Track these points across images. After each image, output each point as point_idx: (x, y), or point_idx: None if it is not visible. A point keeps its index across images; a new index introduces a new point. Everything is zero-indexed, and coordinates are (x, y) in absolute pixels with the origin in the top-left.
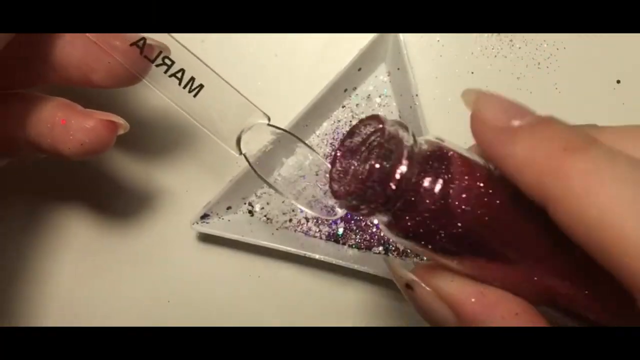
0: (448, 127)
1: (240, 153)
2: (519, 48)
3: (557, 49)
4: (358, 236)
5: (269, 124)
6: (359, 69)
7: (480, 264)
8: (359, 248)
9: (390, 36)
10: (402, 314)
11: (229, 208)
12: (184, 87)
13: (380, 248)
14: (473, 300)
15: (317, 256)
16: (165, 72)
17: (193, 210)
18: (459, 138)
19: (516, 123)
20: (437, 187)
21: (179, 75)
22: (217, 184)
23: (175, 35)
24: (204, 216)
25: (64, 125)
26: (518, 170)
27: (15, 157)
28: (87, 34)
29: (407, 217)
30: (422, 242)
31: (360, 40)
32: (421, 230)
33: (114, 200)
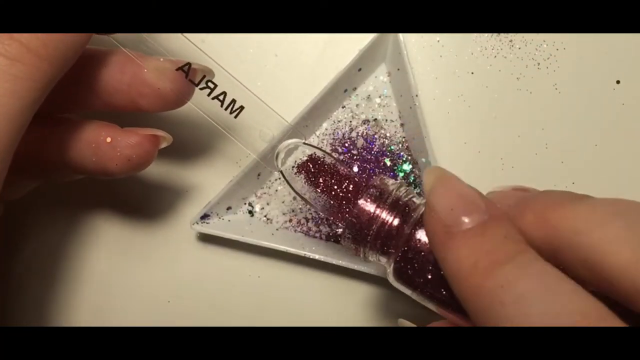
0: (448, 127)
1: (278, 170)
2: (519, 48)
3: (557, 49)
4: None
5: (305, 143)
6: (359, 70)
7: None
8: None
9: (390, 36)
10: (401, 315)
11: (229, 208)
12: (226, 109)
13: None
14: None
15: (317, 256)
16: (209, 95)
17: (193, 210)
18: (459, 138)
19: (458, 225)
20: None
21: (221, 97)
22: (217, 184)
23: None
24: (204, 216)
25: (110, 143)
26: (449, 277)
27: (48, 180)
28: (137, 61)
29: (400, 264)
30: (412, 289)
31: (360, 40)
32: (407, 278)
33: (114, 201)
